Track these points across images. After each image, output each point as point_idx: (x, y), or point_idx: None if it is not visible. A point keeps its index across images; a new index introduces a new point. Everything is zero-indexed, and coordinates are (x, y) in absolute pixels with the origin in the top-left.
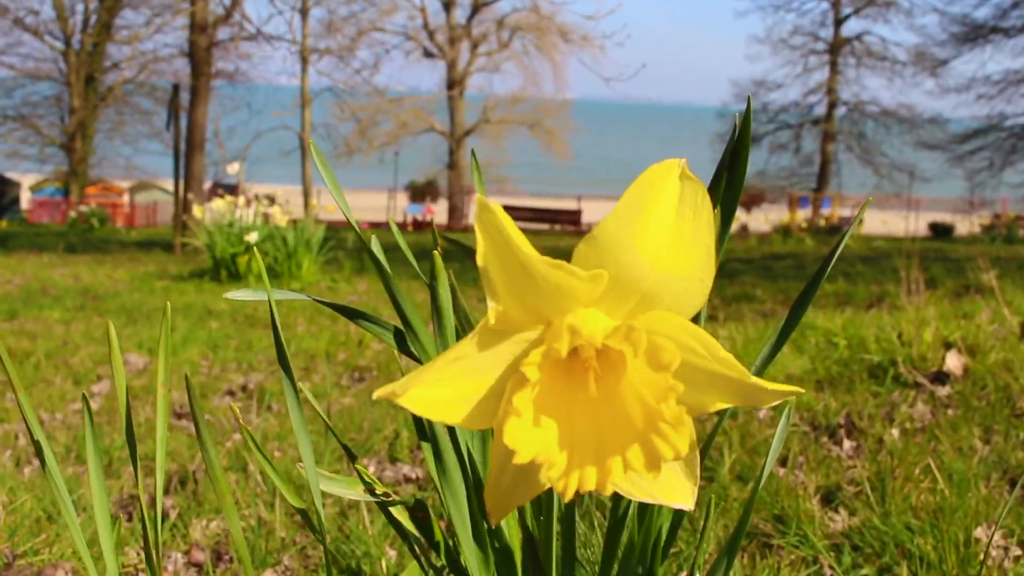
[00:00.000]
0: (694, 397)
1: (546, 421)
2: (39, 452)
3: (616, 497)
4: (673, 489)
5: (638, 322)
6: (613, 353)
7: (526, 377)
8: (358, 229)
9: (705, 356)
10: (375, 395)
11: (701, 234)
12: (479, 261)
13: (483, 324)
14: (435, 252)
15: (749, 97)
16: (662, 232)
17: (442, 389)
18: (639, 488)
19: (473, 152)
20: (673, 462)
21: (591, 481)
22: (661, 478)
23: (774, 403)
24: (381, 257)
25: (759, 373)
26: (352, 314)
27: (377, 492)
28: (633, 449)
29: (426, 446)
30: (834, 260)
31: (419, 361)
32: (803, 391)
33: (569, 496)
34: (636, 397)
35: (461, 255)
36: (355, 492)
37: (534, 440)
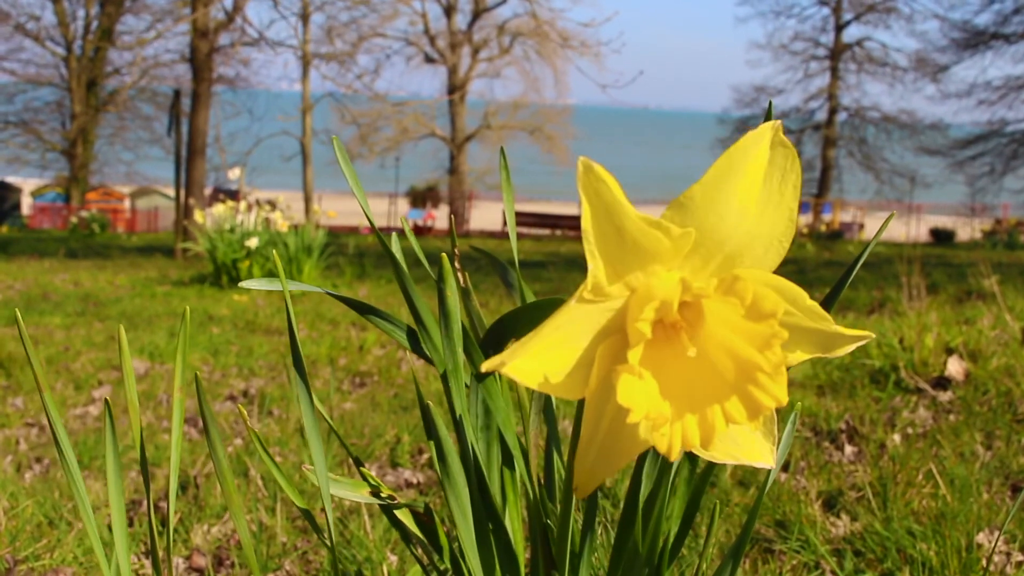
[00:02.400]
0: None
1: (651, 380)
2: (60, 453)
3: (627, 500)
4: (754, 449)
5: (743, 272)
6: (694, 311)
7: (641, 333)
8: (375, 227)
9: (792, 308)
10: (483, 367)
11: (786, 198)
12: (584, 224)
13: (580, 292)
14: (443, 254)
15: (770, 102)
16: (750, 196)
17: (542, 360)
18: (721, 450)
19: (502, 151)
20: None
21: (695, 437)
22: (741, 439)
23: (852, 348)
24: (399, 256)
25: None
26: (364, 309)
27: (383, 495)
28: (732, 401)
29: (431, 446)
30: (855, 272)
31: (430, 361)
32: (873, 335)
33: (676, 455)
34: (725, 351)
35: (464, 261)
36: (361, 495)
37: (646, 398)
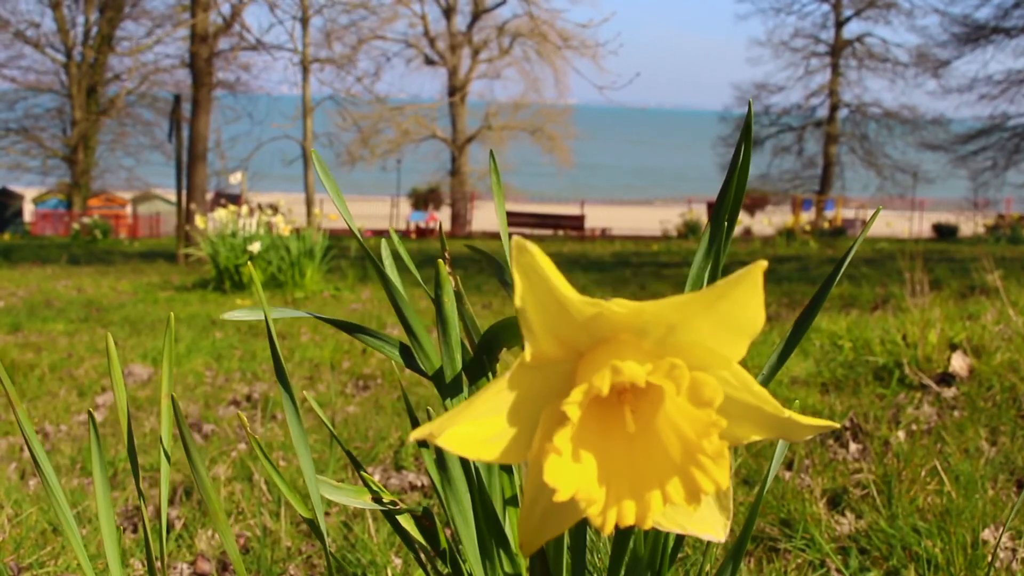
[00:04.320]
0: (729, 430)
1: (585, 457)
2: (38, 468)
3: None
4: (705, 522)
5: (679, 359)
6: (648, 386)
7: (566, 416)
8: (360, 238)
9: (740, 389)
10: (411, 437)
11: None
12: (516, 302)
13: (519, 362)
14: (439, 260)
15: (750, 102)
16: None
17: (478, 427)
18: (670, 519)
19: (492, 154)
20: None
21: (630, 515)
22: (693, 511)
23: (808, 437)
24: (387, 267)
25: (767, 381)
26: (352, 329)
27: (384, 501)
28: (672, 482)
29: (427, 456)
30: (844, 268)
31: (424, 375)
32: (838, 425)
33: (608, 531)
34: (673, 431)
35: (466, 262)
36: (362, 501)
37: (573, 477)
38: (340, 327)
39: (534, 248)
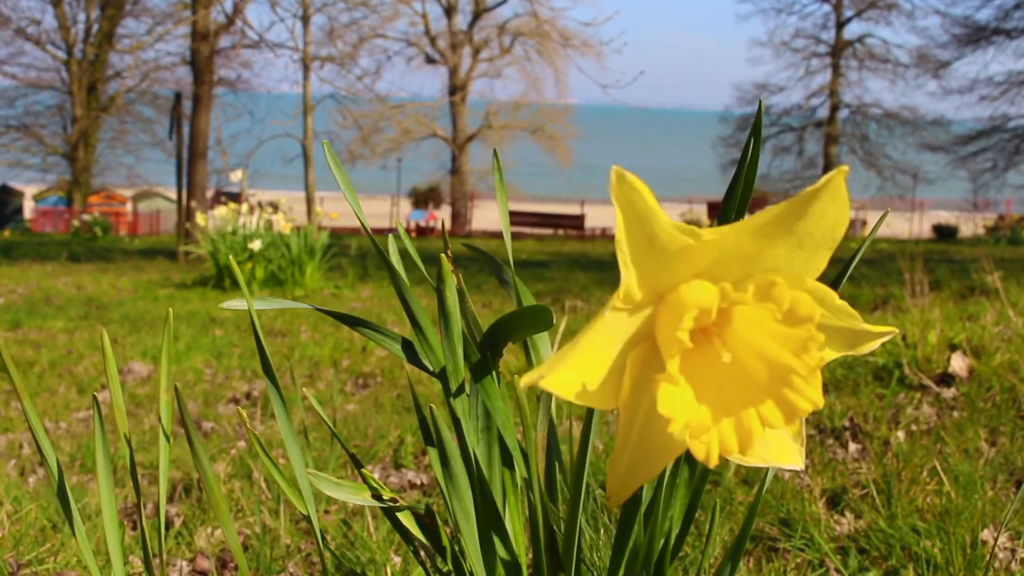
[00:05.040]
0: None
1: (687, 388)
2: (44, 461)
3: (627, 500)
4: (784, 452)
5: (778, 278)
6: (724, 317)
7: (680, 342)
8: (368, 230)
9: (823, 308)
10: (522, 382)
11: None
12: (617, 234)
13: (611, 305)
14: (442, 256)
15: (760, 100)
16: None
17: (581, 371)
18: (753, 453)
19: (495, 153)
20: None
21: (733, 443)
22: (771, 442)
23: (878, 344)
24: (395, 261)
25: None
26: (354, 322)
27: (384, 498)
28: (767, 405)
29: (432, 452)
30: (852, 267)
31: (426, 369)
32: (897, 330)
33: (714, 461)
34: (756, 355)
35: (466, 261)
36: (362, 498)
37: (684, 407)
38: (343, 320)
39: (632, 177)
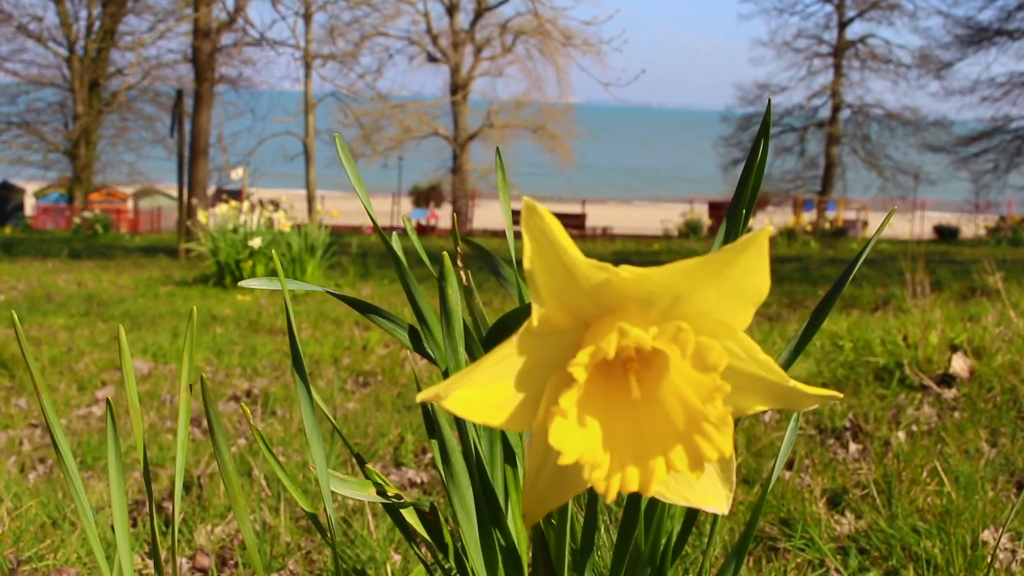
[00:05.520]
0: (734, 399)
1: (590, 422)
2: (59, 454)
3: (629, 500)
4: (708, 493)
5: (685, 323)
6: (652, 354)
7: (573, 378)
8: (376, 221)
9: (745, 359)
10: (419, 399)
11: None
12: (526, 264)
13: (526, 327)
14: (444, 253)
15: (769, 99)
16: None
17: (485, 391)
18: (673, 491)
19: (498, 151)
20: (708, 466)
21: (634, 482)
22: (695, 481)
23: (812, 407)
24: (400, 254)
25: None
26: (365, 308)
27: (388, 494)
28: (676, 450)
29: (434, 445)
30: (857, 266)
31: (432, 360)
32: (841, 396)
33: (611, 497)
34: (677, 398)
35: (467, 259)
36: (366, 494)
37: (578, 441)
38: (354, 306)
39: (543, 210)
